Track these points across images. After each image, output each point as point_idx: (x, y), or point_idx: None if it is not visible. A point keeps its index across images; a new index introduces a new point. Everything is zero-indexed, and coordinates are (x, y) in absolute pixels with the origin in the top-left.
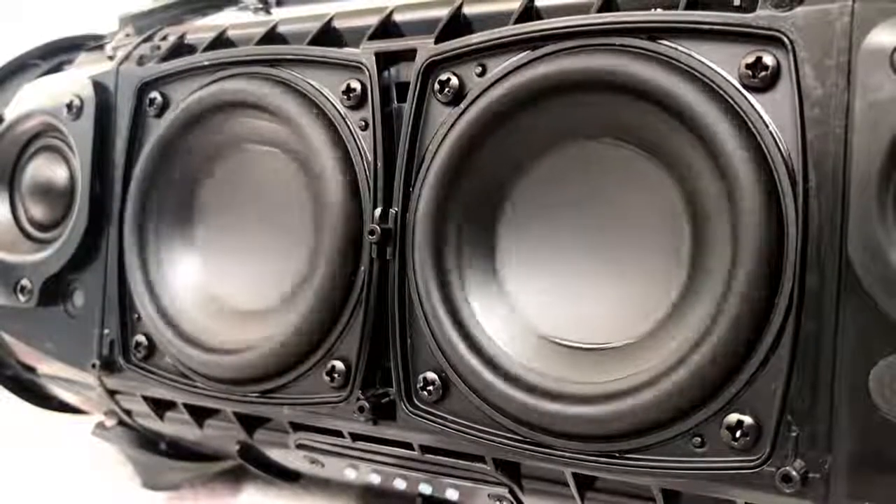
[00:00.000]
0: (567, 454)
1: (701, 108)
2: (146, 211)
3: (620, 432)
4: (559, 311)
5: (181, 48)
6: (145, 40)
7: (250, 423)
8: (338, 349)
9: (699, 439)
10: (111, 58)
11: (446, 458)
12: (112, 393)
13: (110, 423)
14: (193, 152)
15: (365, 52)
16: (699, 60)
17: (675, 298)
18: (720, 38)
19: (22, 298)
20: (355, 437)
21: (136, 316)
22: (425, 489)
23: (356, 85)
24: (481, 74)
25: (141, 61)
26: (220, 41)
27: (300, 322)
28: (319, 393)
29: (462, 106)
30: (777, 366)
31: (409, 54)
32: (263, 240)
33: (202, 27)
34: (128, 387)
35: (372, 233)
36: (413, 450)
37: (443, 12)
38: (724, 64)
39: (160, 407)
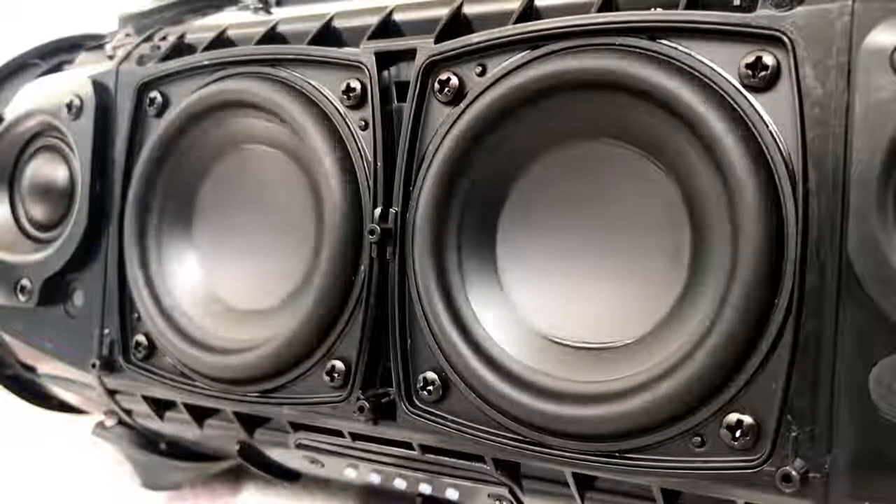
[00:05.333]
0: (567, 454)
1: (700, 108)
2: (147, 210)
3: (620, 432)
4: (560, 310)
5: (181, 48)
6: (145, 40)
7: (250, 423)
8: (338, 349)
9: (699, 439)
10: (111, 57)
11: (446, 458)
12: (112, 393)
13: (110, 422)
14: (194, 152)
15: (365, 52)
16: (699, 60)
17: (675, 298)
18: (720, 38)
19: (22, 298)
20: (355, 436)
21: (136, 316)
22: (425, 489)
23: (356, 85)
24: (481, 74)
25: (141, 61)
26: (220, 41)
27: (301, 322)
28: (319, 393)
29: (462, 106)
30: (777, 366)
31: (409, 54)
32: (265, 240)
33: (202, 27)
34: (128, 387)
35: (372, 232)
36: (413, 450)
37: (443, 12)
38: (724, 64)
39: (160, 407)
